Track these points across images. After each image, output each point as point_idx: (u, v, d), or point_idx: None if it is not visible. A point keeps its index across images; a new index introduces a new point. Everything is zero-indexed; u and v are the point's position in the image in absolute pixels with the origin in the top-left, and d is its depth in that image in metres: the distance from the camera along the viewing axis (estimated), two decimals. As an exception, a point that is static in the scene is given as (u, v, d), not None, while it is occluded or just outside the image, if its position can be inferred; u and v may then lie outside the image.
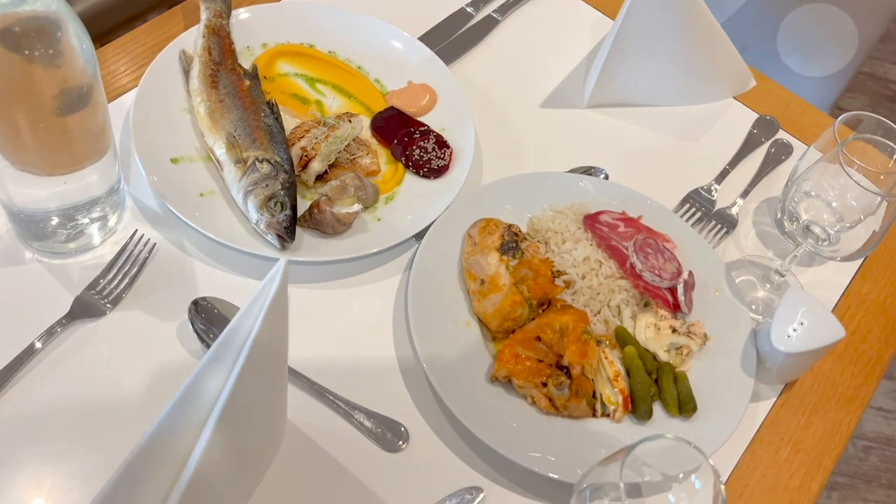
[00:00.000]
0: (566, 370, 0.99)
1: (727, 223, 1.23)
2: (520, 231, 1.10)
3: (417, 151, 1.16)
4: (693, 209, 1.24)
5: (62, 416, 0.91)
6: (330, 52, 1.26)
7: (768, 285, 1.18)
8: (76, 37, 0.85)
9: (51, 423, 0.90)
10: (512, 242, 1.07)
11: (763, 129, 1.37)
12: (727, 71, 1.37)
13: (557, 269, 1.08)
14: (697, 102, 1.37)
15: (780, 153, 1.34)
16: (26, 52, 0.81)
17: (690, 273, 1.10)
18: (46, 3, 0.82)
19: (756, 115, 1.38)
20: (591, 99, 1.30)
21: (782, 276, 1.17)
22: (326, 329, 1.02)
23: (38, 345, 0.94)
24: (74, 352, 0.95)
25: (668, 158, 1.29)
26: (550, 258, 1.09)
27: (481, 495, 0.93)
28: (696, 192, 1.26)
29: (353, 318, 1.04)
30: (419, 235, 1.09)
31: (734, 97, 1.40)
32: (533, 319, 1.04)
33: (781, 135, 1.37)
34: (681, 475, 0.78)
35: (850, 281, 1.22)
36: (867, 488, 2.33)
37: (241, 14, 1.25)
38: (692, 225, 1.20)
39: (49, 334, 0.95)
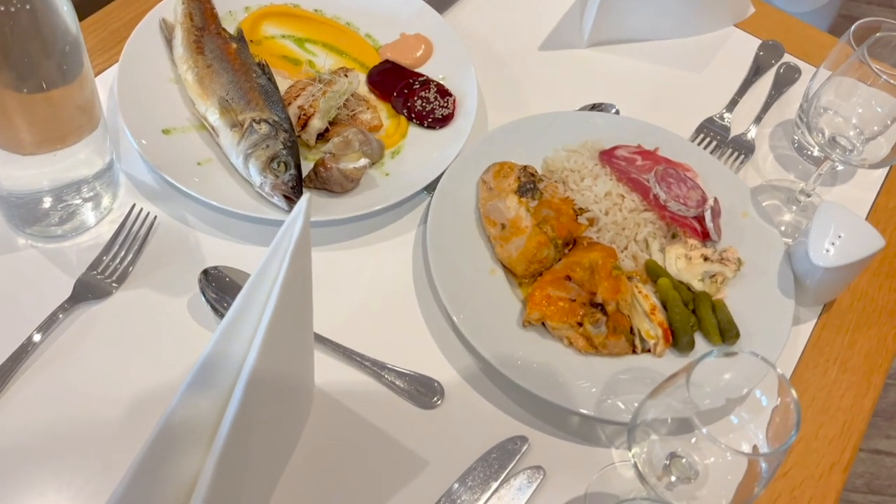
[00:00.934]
0: (601, 307, 0.95)
1: (744, 149, 1.19)
2: (536, 172, 1.05)
3: (419, 102, 1.11)
4: (708, 138, 1.20)
5: (73, 406, 0.85)
6: (316, 10, 1.21)
7: (794, 207, 1.14)
8: (53, -8, 0.79)
9: (62, 415, 0.85)
10: (529, 184, 1.03)
11: (768, 53, 1.33)
12: (725, -1, 1.33)
13: (579, 206, 1.03)
14: (698, 33, 1.33)
15: (788, 76, 1.30)
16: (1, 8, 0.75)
17: (716, 199, 1.06)
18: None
19: (759, 41, 1.34)
20: (590, 37, 1.26)
21: (808, 196, 1.13)
22: (345, 290, 0.97)
23: (38, 336, 0.88)
24: (80, 336, 0.90)
25: (675, 90, 1.25)
26: (570, 197, 1.04)
27: (526, 445, 0.89)
28: (709, 120, 1.22)
29: (371, 277, 0.99)
30: (430, 187, 1.05)
31: (734, 25, 1.36)
32: (559, 260, 0.99)
33: (787, 58, 1.33)
34: (744, 392, 0.73)
35: (876, 197, 1.18)
36: (889, 426, 2.31)
37: (219, -22, 1.19)
38: (710, 153, 1.16)
39: (51, 321, 0.89)
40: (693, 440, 0.74)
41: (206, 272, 0.93)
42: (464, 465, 0.87)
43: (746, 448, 0.73)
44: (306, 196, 0.67)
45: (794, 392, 0.66)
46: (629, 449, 0.75)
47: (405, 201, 1.04)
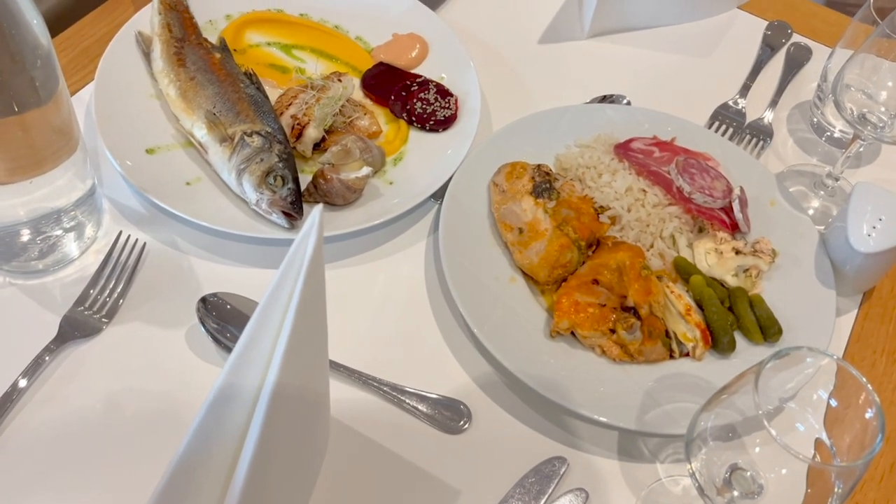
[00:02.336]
0: (633, 311, 0.89)
1: (763, 134, 1.14)
2: (550, 170, 0.99)
3: (419, 104, 1.05)
4: (724, 125, 1.14)
5: (66, 456, 0.78)
6: (301, 14, 1.15)
7: (822, 192, 1.08)
8: (22, 4, 0.72)
9: (55, 466, 0.77)
10: (545, 183, 0.97)
11: (777, 34, 1.28)
12: (727, -20, 1.28)
13: (599, 204, 0.98)
14: (702, 17, 1.28)
15: (799, 56, 1.25)
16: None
17: (741, 189, 1.00)
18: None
19: (765, 22, 1.29)
20: (592, 28, 1.21)
21: (836, 179, 1.07)
22: (355, 310, 0.91)
23: (23, 382, 0.80)
24: (70, 379, 0.82)
25: (685, 77, 1.20)
26: (589, 195, 0.98)
27: (565, 466, 0.82)
28: (723, 107, 1.16)
29: (382, 294, 0.93)
30: (438, 194, 0.99)
31: (738, 7, 1.31)
32: (584, 263, 0.93)
33: (796, 38, 1.28)
34: (815, 396, 0.67)
35: (904, 176, 1.13)
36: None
37: (196, -14, 1.13)
38: (728, 140, 1.11)
39: (37, 364, 0.82)
40: (757, 451, 0.68)
41: (204, 300, 0.85)
42: (499, 492, 0.80)
43: (817, 458, 0.66)
44: (318, 208, 0.60)
45: (873, 393, 0.60)
46: (687, 463, 0.69)
47: (412, 210, 0.98)
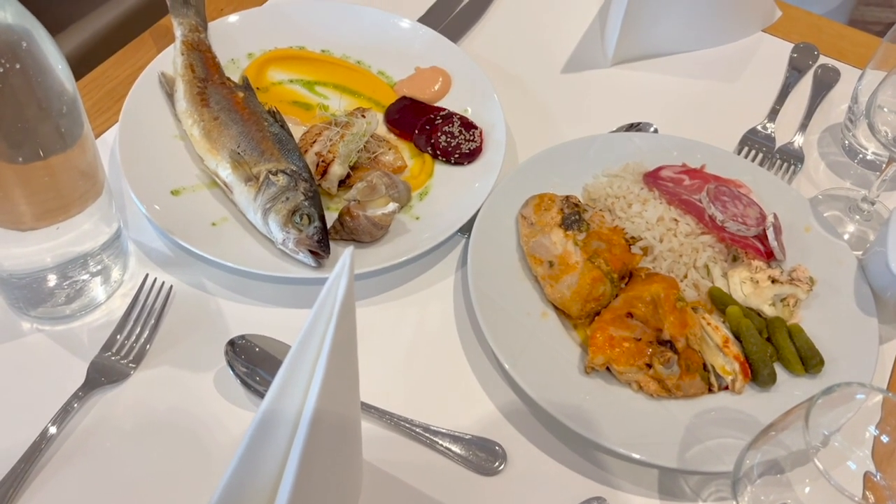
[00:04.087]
0: (669, 344, 0.87)
1: (793, 158, 1.12)
2: (579, 201, 0.98)
3: (444, 138, 1.05)
4: (753, 151, 1.13)
5: (98, 502, 0.77)
6: (323, 51, 1.15)
7: (857, 217, 1.07)
8: (48, 52, 0.73)
9: (87, 513, 0.76)
10: (574, 215, 0.96)
11: (803, 56, 1.27)
12: (750, 3, 1.27)
13: (630, 235, 0.96)
14: (726, 42, 1.27)
15: (827, 78, 1.24)
16: (-10, 71, 0.68)
17: (775, 215, 0.99)
18: (4, 12, 0.69)
19: (791, 45, 1.28)
20: (615, 55, 1.20)
21: (872, 203, 1.06)
22: (385, 349, 0.90)
23: (53, 429, 0.79)
24: (99, 426, 0.81)
25: (712, 103, 1.19)
26: (619, 225, 0.97)
27: (605, 506, 0.80)
28: (752, 132, 1.15)
29: (411, 333, 0.92)
30: (465, 228, 0.98)
31: (762, 31, 1.30)
32: (617, 296, 0.92)
33: (823, 60, 1.27)
34: (862, 430, 0.65)
35: (941, 198, 1.11)
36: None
37: (218, 25, 1.13)
38: (759, 166, 1.10)
39: (65, 412, 0.81)
40: (807, 489, 0.66)
41: (232, 343, 0.85)
42: (538, 535, 0.78)
43: (870, 499, 0.64)
44: (349, 251, 0.60)
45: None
46: (734, 501, 0.67)
47: (440, 246, 0.97)
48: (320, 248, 0.90)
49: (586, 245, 0.93)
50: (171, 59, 1.08)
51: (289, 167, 0.95)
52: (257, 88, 1.09)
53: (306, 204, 0.92)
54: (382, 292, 0.95)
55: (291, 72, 1.13)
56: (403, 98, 1.11)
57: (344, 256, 0.59)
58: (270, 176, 0.94)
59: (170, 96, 1.06)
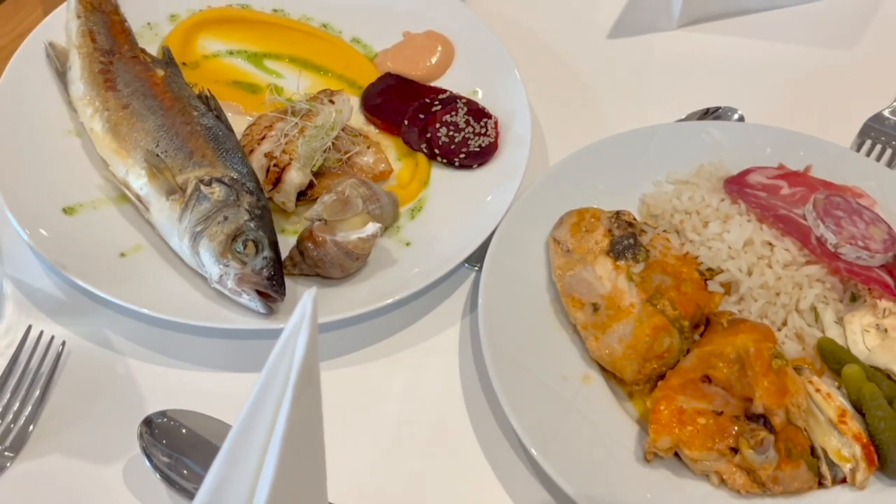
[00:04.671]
0: (763, 420, 0.88)
1: (936, 157, 1.14)
2: (634, 218, 1.00)
3: (444, 131, 1.06)
4: (879, 146, 1.14)
5: None
6: (275, 10, 1.17)
7: None
8: None
9: None
10: (627, 238, 0.97)
11: (947, 12, 1.29)
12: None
13: (707, 266, 0.98)
14: (838, -7, 1.30)
15: (981, 43, 1.26)
16: None
17: (910, 237, 1.00)
18: None
19: (929, -3, 1.31)
20: (683, 13, 1.22)
21: None
22: (364, 430, 0.91)
23: None
24: (-37, 541, 0.82)
25: (818, 81, 1.21)
26: (691, 252, 0.99)
27: None
28: (876, 119, 1.16)
29: (400, 405, 0.93)
30: (475, 258, 0.99)
31: (888, -23, 1.33)
32: (688, 351, 0.93)
33: (975, 17, 1.29)
34: None
35: None
36: None
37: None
38: (887, 167, 1.11)
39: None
40: None
41: (149, 422, 0.85)
42: None
43: None
44: (311, 294, 0.60)
45: None
46: None
47: (439, 283, 0.98)
48: (271, 288, 0.91)
49: (645, 280, 0.94)
50: (62, 24, 1.10)
51: (227, 174, 0.97)
52: (183, 64, 1.10)
53: (252, 225, 0.93)
54: (359, 349, 0.96)
55: (231, 40, 1.15)
56: (388, 76, 1.13)
57: (304, 300, 0.60)
58: (202, 187, 0.95)
59: (61, 75, 1.07)
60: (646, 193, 1.05)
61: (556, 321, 0.96)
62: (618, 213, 1.00)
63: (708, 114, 1.13)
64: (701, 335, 0.95)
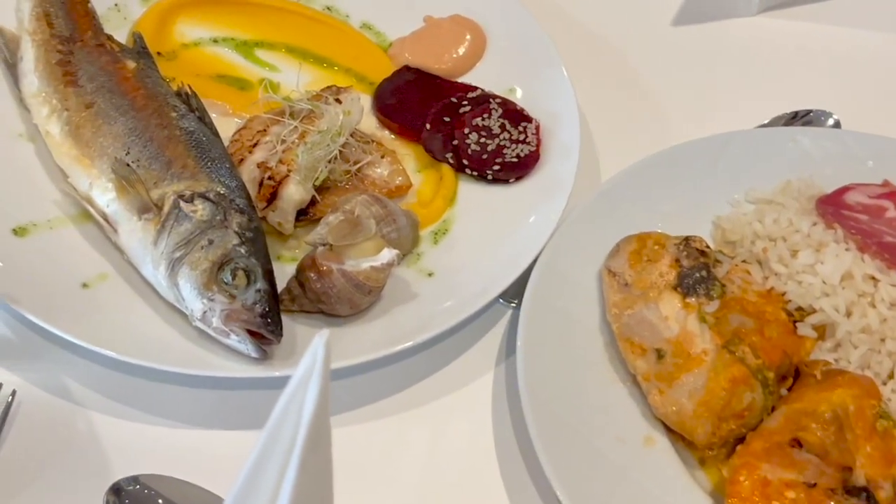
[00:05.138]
0: (865, 494, 0.88)
1: None
2: (707, 246, 1.00)
3: (474, 137, 1.07)
4: None
5: None
6: (269, -11, 1.20)
7: None
8: None
9: None
10: (698, 269, 0.97)
11: None
12: None
13: (796, 305, 0.98)
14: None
15: None
16: None
17: None
18: None
19: None
20: (764, -5, 1.24)
21: None
22: (381, 497, 0.91)
23: None
24: None
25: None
26: (776, 288, 0.99)
27: None
28: None
29: (423, 468, 0.93)
30: (512, 293, 1.01)
31: None
32: (774, 409, 0.93)
33: None
34: None
35: None
36: None
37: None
38: None
39: None
40: None
41: (117, 490, 0.86)
42: None
43: None
44: (324, 337, 0.61)
45: None
46: None
47: (468, 321, 0.99)
48: (265, 327, 0.92)
49: (721, 322, 0.94)
50: (12, 5, 1.12)
51: (213, 188, 0.97)
52: (158, 54, 1.12)
53: (242, 251, 0.94)
54: (372, 401, 0.97)
55: (216, 25, 1.17)
56: (405, 70, 1.14)
57: (315, 345, 0.61)
58: (182, 203, 0.96)
59: (10, 67, 1.09)
60: (720, 215, 1.06)
61: (611, 370, 0.97)
62: (686, 239, 1.00)
63: (796, 118, 1.13)
64: (789, 389, 0.95)
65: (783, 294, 0.99)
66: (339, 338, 0.96)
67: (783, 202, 1.06)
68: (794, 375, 0.96)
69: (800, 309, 0.99)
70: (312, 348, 0.62)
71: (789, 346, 0.96)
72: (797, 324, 0.97)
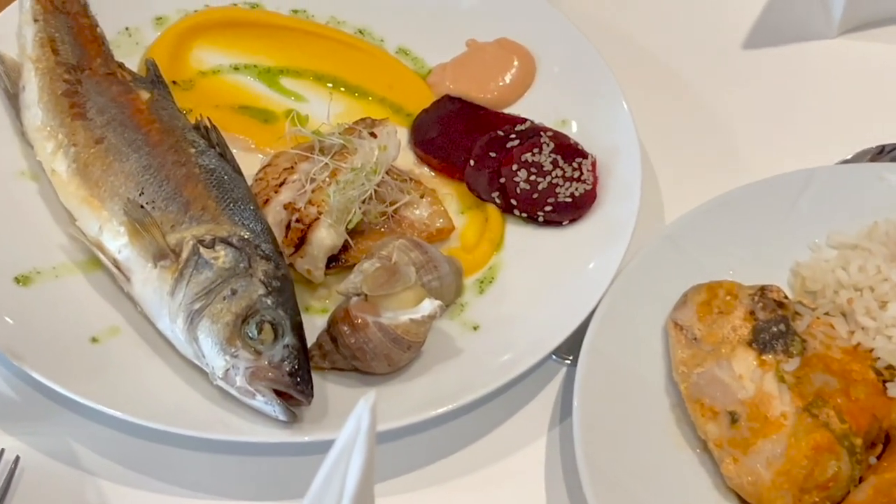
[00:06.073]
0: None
1: None
2: (785, 297, 1.01)
3: (523, 174, 1.08)
4: None
5: None
6: (295, 11, 1.21)
7: None
8: None
9: None
10: (776, 323, 0.98)
11: None
12: None
13: (885, 362, 0.98)
14: None
15: None
16: None
17: None
18: None
19: None
20: (847, 14, 1.24)
21: None
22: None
23: None
24: None
25: None
26: (863, 343, 1.00)
27: None
28: None
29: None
30: (568, 349, 1.02)
31: None
32: (861, 479, 0.94)
33: None
34: None
35: None
36: None
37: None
38: None
39: None
40: None
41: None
42: None
43: None
44: (369, 401, 0.63)
45: None
46: None
47: (518, 380, 1.00)
48: (295, 387, 0.93)
49: (802, 382, 0.95)
50: (13, 30, 1.14)
51: (235, 233, 0.99)
52: (174, 83, 1.14)
53: (269, 302, 0.95)
54: (412, 469, 0.98)
55: (237, 51, 1.19)
56: (446, 99, 1.16)
57: (360, 410, 0.63)
58: (202, 249, 0.97)
59: (12, 98, 1.11)
60: (799, 262, 1.07)
61: (678, 435, 0.98)
62: (762, 288, 1.01)
63: (883, 153, 1.14)
64: (879, 457, 0.96)
65: (871, 350, 0.99)
66: (378, 397, 0.97)
67: (870, 247, 1.06)
68: (884, 442, 0.96)
69: (890, 367, 0.99)
70: (357, 412, 0.64)
71: (879, 408, 0.96)
72: (887, 384, 0.98)
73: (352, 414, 0.64)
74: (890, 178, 1.10)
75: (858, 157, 1.15)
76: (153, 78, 1.11)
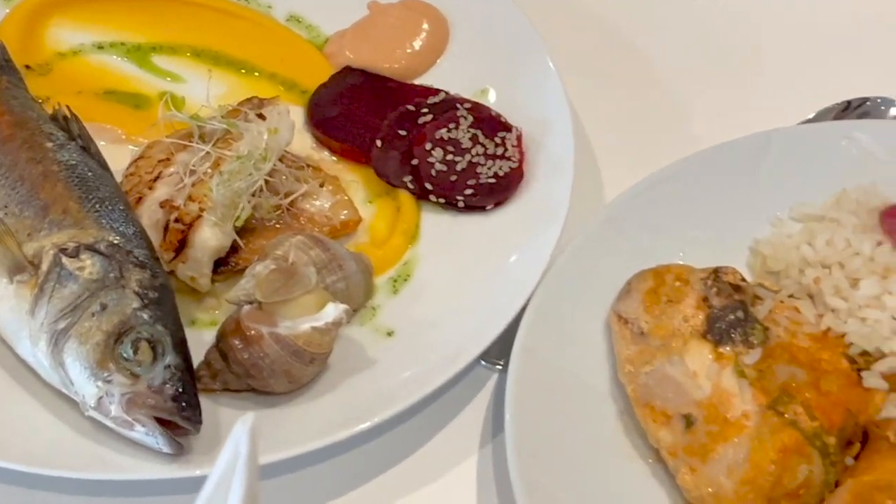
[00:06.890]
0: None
1: None
2: (743, 279, 1.01)
3: (439, 153, 1.08)
4: None
5: None
6: (169, -23, 1.21)
7: None
8: None
9: None
10: (733, 309, 0.98)
11: None
12: None
13: (859, 348, 0.98)
14: None
15: None
16: None
17: None
18: None
19: None
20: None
21: None
22: None
23: None
24: None
25: None
26: (833, 328, 0.99)
27: None
28: None
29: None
30: (496, 353, 1.02)
31: None
32: (837, 484, 0.94)
33: None
34: None
35: None
36: None
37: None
38: None
39: None
40: None
41: None
42: None
43: None
44: (246, 423, 0.63)
45: None
46: None
47: (442, 391, 1.00)
48: (179, 413, 0.92)
49: (764, 376, 0.95)
50: None
51: (103, 238, 0.98)
52: (27, 67, 1.13)
53: (145, 317, 0.94)
54: (326, 500, 0.97)
55: (100, 27, 1.18)
56: (347, 72, 1.16)
57: (236, 434, 0.62)
58: (64, 259, 0.96)
59: None
60: (759, 239, 1.07)
61: (627, 445, 0.98)
62: (716, 271, 1.01)
63: (848, 109, 1.14)
64: (856, 457, 0.96)
65: (842, 336, 0.99)
66: (275, 422, 0.96)
67: (838, 218, 1.06)
68: (861, 439, 0.96)
69: (865, 354, 0.99)
70: (233, 439, 0.63)
71: (853, 401, 0.96)
72: (862, 373, 0.98)
73: (227, 440, 0.63)
74: (858, 137, 1.10)
75: (821, 116, 1.16)
76: (1, 62, 1.10)
